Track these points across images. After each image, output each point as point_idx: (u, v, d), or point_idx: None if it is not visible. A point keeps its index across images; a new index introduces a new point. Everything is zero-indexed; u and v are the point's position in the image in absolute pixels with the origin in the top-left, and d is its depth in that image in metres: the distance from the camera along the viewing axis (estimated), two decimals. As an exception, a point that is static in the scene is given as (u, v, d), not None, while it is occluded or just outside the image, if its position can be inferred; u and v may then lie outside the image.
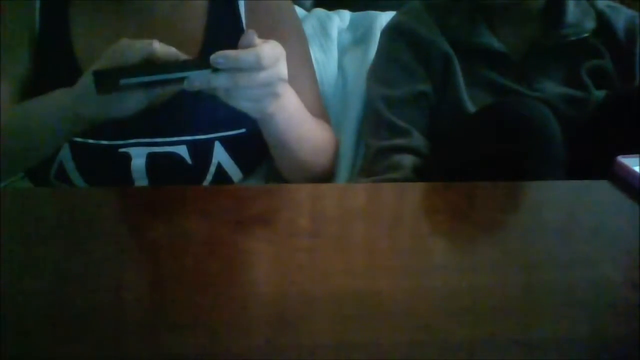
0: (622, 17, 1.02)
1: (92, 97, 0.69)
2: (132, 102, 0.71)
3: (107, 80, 0.66)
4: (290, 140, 0.82)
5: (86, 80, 0.71)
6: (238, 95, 0.68)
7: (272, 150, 0.87)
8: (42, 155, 0.84)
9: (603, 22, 1.01)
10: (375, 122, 1.01)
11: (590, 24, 1.00)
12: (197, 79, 0.65)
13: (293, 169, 0.90)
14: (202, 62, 0.65)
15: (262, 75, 0.66)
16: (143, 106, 0.72)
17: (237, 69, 0.65)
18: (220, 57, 0.64)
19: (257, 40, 0.67)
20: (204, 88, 0.66)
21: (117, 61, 0.67)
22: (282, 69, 0.69)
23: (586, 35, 0.99)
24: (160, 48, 0.67)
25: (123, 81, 0.65)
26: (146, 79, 0.66)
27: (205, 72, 0.65)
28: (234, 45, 0.88)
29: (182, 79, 0.66)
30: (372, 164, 0.98)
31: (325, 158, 0.93)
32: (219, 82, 0.66)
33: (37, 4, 0.87)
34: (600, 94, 0.97)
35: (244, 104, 0.70)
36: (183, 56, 0.69)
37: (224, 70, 0.65)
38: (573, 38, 0.99)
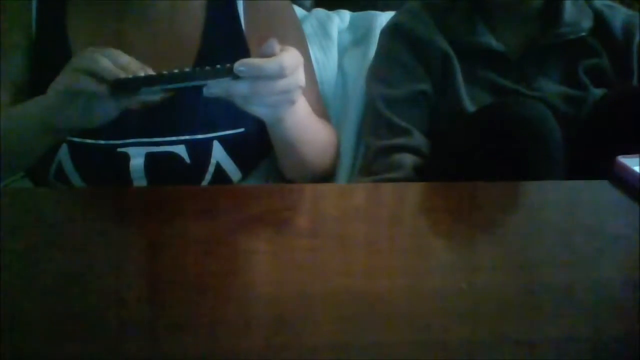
0: (619, 16, 1.02)
1: (62, 107, 0.69)
2: (102, 112, 0.71)
3: (126, 89, 0.66)
4: (297, 142, 0.82)
5: (55, 90, 0.71)
6: (256, 101, 0.68)
7: (278, 151, 0.87)
8: (28, 160, 0.84)
9: (600, 21, 1.01)
10: (375, 121, 1.01)
11: (587, 23, 1.00)
12: (217, 86, 0.65)
13: (296, 169, 0.90)
14: (222, 69, 0.64)
15: (282, 83, 0.66)
16: (114, 116, 0.72)
17: (258, 77, 0.65)
18: (243, 65, 0.64)
19: (278, 48, 0.67)
20: (223, 95, 0.66)
21: (84, 70, 0.67)
22: (301, 77, 0.69)
23: (584, 34, 0.99)
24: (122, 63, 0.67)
25: (144, 89, 0.66)
26: (166, 87, 0.66)
27: (225, 80, 0.65)
28: (232, 45, 0.88)
29: (200, 86, 0.65)
30: (372, 163, 0.98)
31: (329, 158, 0.94)
32: (239, 89, 0.65)
33: (34, 5, 0.87)
34: (598, 92, 0.97)
35: (260, 110, 0.69)
36: (149, 70, 0.68)
37: (244, 78, 0.65)
38: (571, 37, 0.99)
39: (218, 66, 0.65)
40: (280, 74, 0.65)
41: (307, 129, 0.83)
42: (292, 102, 0.71)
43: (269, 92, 0.66)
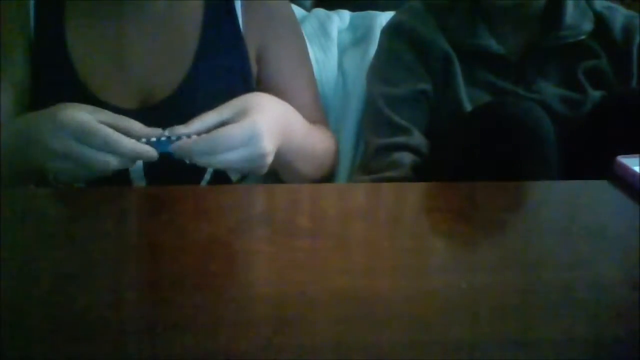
0: (619, 17, 1.02)
1: (38, 145, 0.69)
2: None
3: None
4: (293, 163, 0.84)
5: (42, 128, 0.70)
6: (219, 166, 0.71)
7: (274, 166, 0.87)
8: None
9: (601, 22, 1.01)
10: (375, 119, 1.01)
11: (588, 25, 1.00)
12: (179, 152, 0.69)
13: (293, 180, 0.91)
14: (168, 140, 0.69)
15: (236, 156, 0.68)
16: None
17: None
18: (175, 147, 0.68)
19: (231, 113, 0.70)
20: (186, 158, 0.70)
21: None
22: (258, 147, 0.69)
23: (583, 37, 0.99)
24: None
25: None
26: None
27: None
28: (230, 45, 0.89)
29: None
30: (372, 161, 0.98)
31: (327, 167, 0.95)
32: (201, 162, 0.69)
33: (32, 6, 0.86)
34: (597, 94, 0.97)
35: (232, 169, 0.73)
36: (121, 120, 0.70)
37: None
38: (571, 40, 0.99)
39: (153, 140, 0.69)
40: (211, 152, 0.68)
41: (303, 150, 0.84)
42: (259, 169, 0.72)
43: (225, 162, 0.69)
